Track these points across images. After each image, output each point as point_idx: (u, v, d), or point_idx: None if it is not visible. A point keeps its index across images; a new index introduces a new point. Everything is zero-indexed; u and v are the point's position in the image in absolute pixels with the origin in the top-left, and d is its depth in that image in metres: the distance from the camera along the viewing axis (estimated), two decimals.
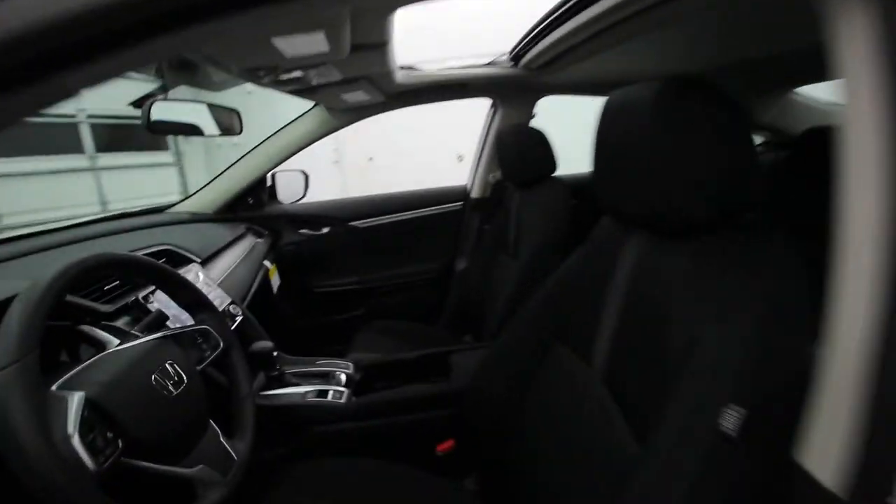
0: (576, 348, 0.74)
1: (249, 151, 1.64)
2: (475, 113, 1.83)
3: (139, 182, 5.69)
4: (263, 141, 1.63)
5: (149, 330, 0.80)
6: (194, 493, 0.62)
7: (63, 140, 5.10)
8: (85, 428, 0.50)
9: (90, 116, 5.51)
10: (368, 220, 1.87)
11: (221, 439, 0.69)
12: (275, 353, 1.08)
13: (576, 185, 1.41)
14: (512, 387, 0.85)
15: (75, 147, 5.24)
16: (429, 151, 4.71)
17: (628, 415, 0.60)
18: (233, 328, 1.07)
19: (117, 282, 0.88)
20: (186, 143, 6.93)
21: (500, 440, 0.84)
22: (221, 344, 0.79)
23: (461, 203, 1.92)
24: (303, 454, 1.02)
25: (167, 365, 0.64)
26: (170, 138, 6.85)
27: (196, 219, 1.57)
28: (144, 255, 1.05)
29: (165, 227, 1.33)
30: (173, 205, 1.61)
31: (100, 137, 5.50)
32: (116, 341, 0.80)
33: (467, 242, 1.89)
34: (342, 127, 1.60)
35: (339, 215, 1.85)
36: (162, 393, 0.60)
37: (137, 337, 0.74)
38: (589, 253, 0.76)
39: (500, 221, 1.62)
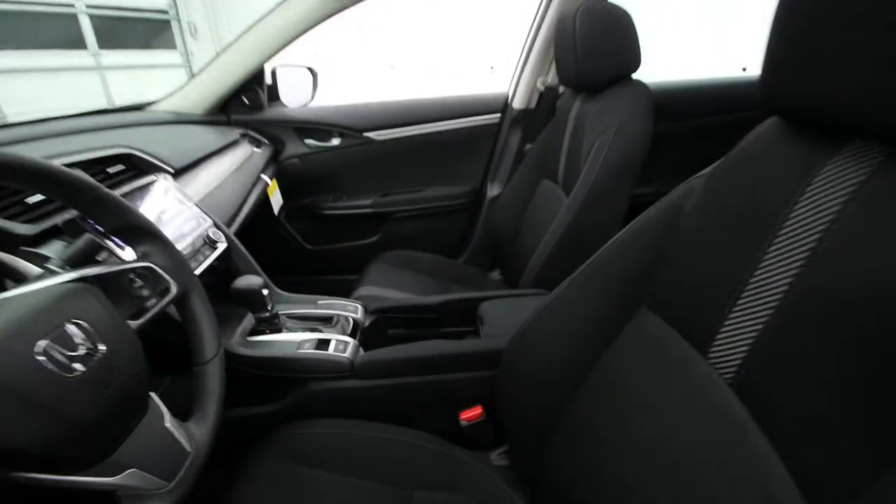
0: (685, 327, 0.50)
1: (241, 36, 1.31)
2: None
3: (145, 83, 5.33)
4: (257, 22, 1.29)
5: (73, 267, 0.57)
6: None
7: (60, 34, 4.69)
8: None
9: (89, 7, 5.03)
10: (387, 131, 1.56)
11: (168, 424, 0.49)
12: (265, 292, 0.86)
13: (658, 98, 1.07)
14: (571, 356, 0.62)
15: (74, 42, 4.83)
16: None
17: (789, 456, 0.36)
18: (209, 260, 0.85)
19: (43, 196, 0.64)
20: (195, 42, 6.41)
21: (548, 416, 0.64)
22: (173, 289, 0.56)
23: (498, 116, 1.58)
24: (294, 414, 0.85)
25: (69, 327, 0.41)
26: (177, 36, 6.33)
27: (179, 119, 1.30)
28: (93, 158, 0.80)
29: (134, 127, 1.07)
30: (151, 103, 1.33)
31: (100, 32, 5.05)
32: (39, 271, 0.59)
33: (503, 164, 1.58)
34: (351, 4, 1.25)
35: (353, 125, 1.55)
36: (53, 373, 0.38)
37: (54, 274, 0.52)
38: (728, 182, 0.48)
39: (549, 140, 1.30)
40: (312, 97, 1.64)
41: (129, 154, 0.88)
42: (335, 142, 1.56)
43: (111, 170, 0.83)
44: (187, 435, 0.51)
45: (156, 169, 0.91)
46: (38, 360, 0.38)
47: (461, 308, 1.02)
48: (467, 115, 1.58)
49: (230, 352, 0.80)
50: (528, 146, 1.52)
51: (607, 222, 1.02)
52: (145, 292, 0.53)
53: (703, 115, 1.48)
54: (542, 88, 1.45)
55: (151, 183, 0.86)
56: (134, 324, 0.51)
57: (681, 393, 0.48)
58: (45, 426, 0.37)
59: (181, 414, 0.54)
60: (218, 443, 0.89)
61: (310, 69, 1.61)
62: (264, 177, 1.36)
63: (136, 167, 0.89)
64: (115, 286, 0.50)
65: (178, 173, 0.96)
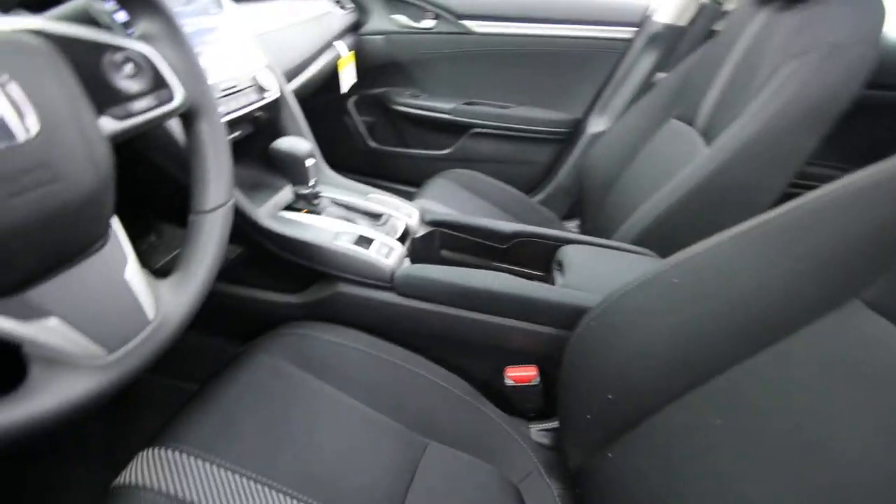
0: None
1: None
2: None
3: None
4: None
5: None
6: (24, 368, 0.28)
7: None
8: None
9: None
10: (489, 23, 1.29)
11: (127, 276, 0.34)
12: (309, 162, 0.69)
13: None
14: (700, 348, 0.42)
15: None
16: None
17: None
18: (253, 106, 0.68)
19: None
20: None
21: (631, 409, 0.46)
22: (176, 97, 0.39)
23: (632, 30, 1.26)
24: (315, 312, 0.71)
25: None
26: None
27: None
28: None
29: None
30: None
31: None
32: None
33: (619, 94, 1.28)
34: None
35: (453, 6, 1.29)
36: None
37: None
38: None
39: (695, 70, 1.00)
40: None
41: None
42: (427, 24, 1.32)
43: None
44: (154, 297, 0.36)
45: None
46: None
47: (536, 246, 0.82)
48: (589, 21, 1.27)
49: (255, 222, 0.65)
50: (659, 75, 1.21)
51: (766, 185, 0.76)
52: (136, 87, 0.37)
53: None
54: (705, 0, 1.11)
55: None
56: (108, 123, 0.34)
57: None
58: None
59: (158, 273, 0.39)
60: (230, 317, 0.79)
61: None
62: (339, 44, 1.16)
63: None
64: (89, 63, 0.33)
65: None
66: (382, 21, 1.32)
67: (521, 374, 0.67)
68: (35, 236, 0.28)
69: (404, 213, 0.79)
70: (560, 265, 0.75)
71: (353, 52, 1.24)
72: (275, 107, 0.76)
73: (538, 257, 0.82)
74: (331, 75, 1.15)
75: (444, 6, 1.28)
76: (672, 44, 1.19)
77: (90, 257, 0.32)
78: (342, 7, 1.23)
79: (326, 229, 0.70)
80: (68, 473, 0.75)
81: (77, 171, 0.30)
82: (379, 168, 1.52)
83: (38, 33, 0.31)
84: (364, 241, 0.69)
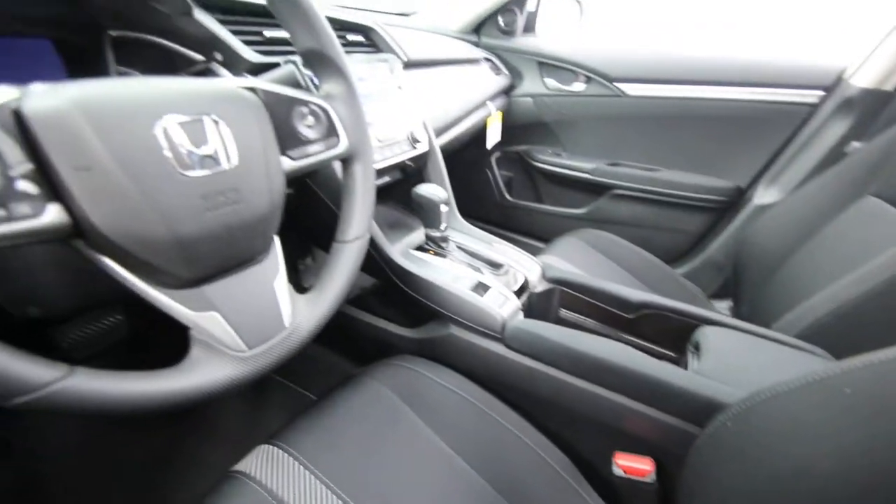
0: None
1: None
2: None
3: None
4: None
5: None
6: (186, 347, 0.35)
7: None
8: None
9: None
10: (645, 86, 1.26)
11: (276, 284, 0.41)
12: (443, 208, 0.75)
13: None
14: (864, 482, 0.32)
15: None
16: None
17: None
18: (404, 156, 0.77)
19: None
20: None
21: None
22: (342, 144, 0.47)
23: (818, 94, 1.10)
24: (427, 349, 0.73)
25: (207, 121, 0.34)
26: None
27: (432, 30, 1.27)
28: (339, 19, 0.79)
29: (391, 25, 1.06)
30: (408, 14, 1.33)
31: None
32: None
33: (797, 163, 1.12)
34: None
35: (606, 71, 1.29)
36: (165, 160, 0.31)
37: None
38: None
39: None
40: (573, 32, 1.44)
41: (371, 29, 0.85)
42: (578, 87, 1.34)
43: (350, 37, 0.81)
44: (292, 307, 0.42)
45: (390, 51, 0.87)
46: (153, 135, 0.31)
47: (668, 321, 0.73)
48: (767, 84, 1.14)
49: (388, 258, 0.72)
50: (853, 144, 1.03)
51: None
52: (312, 134, 0.45)
53: None
54: None
55: (382, 60, 0.81)
56: (288, 162, 0.43)
57: None
58: (133, 213, 0.30)
59: (301, 290, 0.46)
60: (351, 338, 0.86)
61: (578, 1, 1.41)
62: (491, 105, 1.25)
63: (374, 45, 0.87)
64: (283, 113, 0.43)
65: (409, 65, 0.91)
66: (534, 84, 1.39)
67: (632, 465, 0.59)
68: (219, 244, 0.35)
69: (525, 266, 0.79)
70: (697, 348, 0.65)
71: (500, 112, 1.32)
72: (423, 158, 0.84)
73: (670, 335, 0.73)
74: (479, 131, 1.24)
75: (597, 70, 1.29)
76: (872, 111, 1.00)
77: (253, 266, 0.39)
78: (497, 72, 1.33)
79: (448, 271, 0.73)
80: (194, 448, 0.87)
81: (257, 196, 0.38)
82: (513, 221, 1.55)
83: (252, 90, 0.40)
84: (481, 288, 0.70)
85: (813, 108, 1.10)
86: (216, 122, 0.35)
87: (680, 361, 0.70)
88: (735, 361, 0.60)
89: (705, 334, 0.66)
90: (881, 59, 0.99)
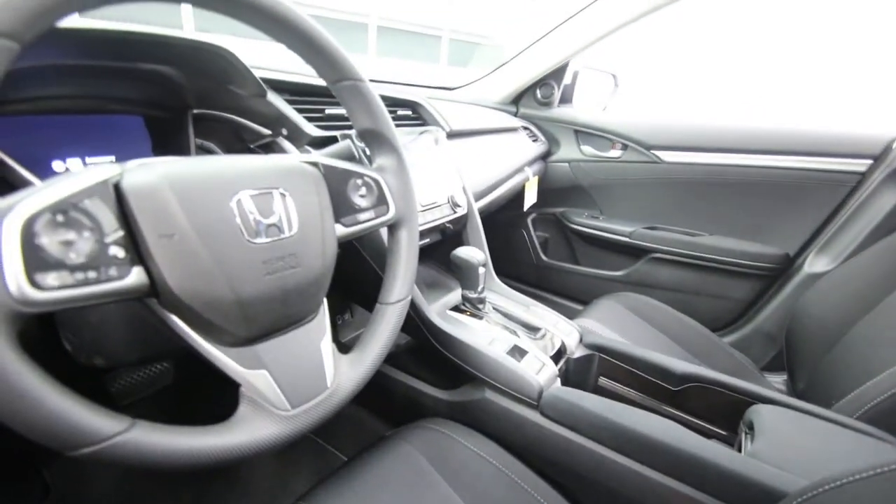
0: None
1: (549, 31, 1.27)
2: None
3: None
4: (569, 18, 1.22)
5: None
6: (234, 402, 0.37)
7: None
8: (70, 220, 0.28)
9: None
10: (682, 153, 1.27)
11: (323, 345, 0.42)
12: (481, 270, 0.76)
13: None
14: None
15: None
16: None
17: None
18: (445, 219, 0.81)
19: None
20: None
21: None
22: (390, 211, 0.50)
23: (868, 162, 1.08)
24: (460, 413, 0.72)
25: (275, 194, 0.38)
26: None
27: (473, 102, 1.36)
28: (389, 96, 0.87)
29: (435, 99, 1.14)
30: (452, 88, 1.44)
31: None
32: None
33: (849, 231, 1.07)
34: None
35: (642, 139, 1.32)
36: (236, 228, 0.35)
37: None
38: None
39: None
40: (607, 106, 1.50)
41: (419, 104, 0.92)
42: (614, 154, 1.38)
43: (400, 112, 0.88)
44: (335, 368, 0.43)
45: (435, 123, 0.93)
46: (229, 207, 0.35)
47: (717, 396, 0.69)
48: (813, 153, 1.13)
49: (425, 317, 0.73)
50: None
51: None
52: (364, 203, 0.49)
53: None
54: None
55: (427, 132, 0.88)
56: (341, 229, 0.46)
57: None
58: (203, 275, 0.33)
59: (344, 349, 0.47)
60: (384, 398, 0.86)
61: (612, 74, 1.47)
62: (528, 170, 1.29)
63: (421, 118, 0.94)
64: (339, 184, 0.47)
65: (451, 135, 0.97)
66: (571, 151, 1.43)
67: None
68: (274, 305, 0.38)
69: (563, 331, 0.78)
70: (751, 427, 0.61)
71: (537, 177, 1.36)
72: (462, 220, 0.88)
73: (719, 411, 0.69)
74: (516, 195, 1.28)
75: (634, 139, 1.33)
76: None
77: (303, 326, 0.41)
78: (535, 139, 1.39)
79: (484, 334, 0.73)
80: (227, 501, 0.86)
81: (312, 260, 0.40)
82: (548, 282, 1.54)
83: (314, 164, 0.44)
84: (518, 352, 0.70)
85: (861, 176, 1.08)
86: (283, 195, 0.39)
87: (730, 441, 0.65)
88: (793, 445, 0.56)
89: (760, 413, 0.62)
90: None
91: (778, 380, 1.08)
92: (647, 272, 1.34)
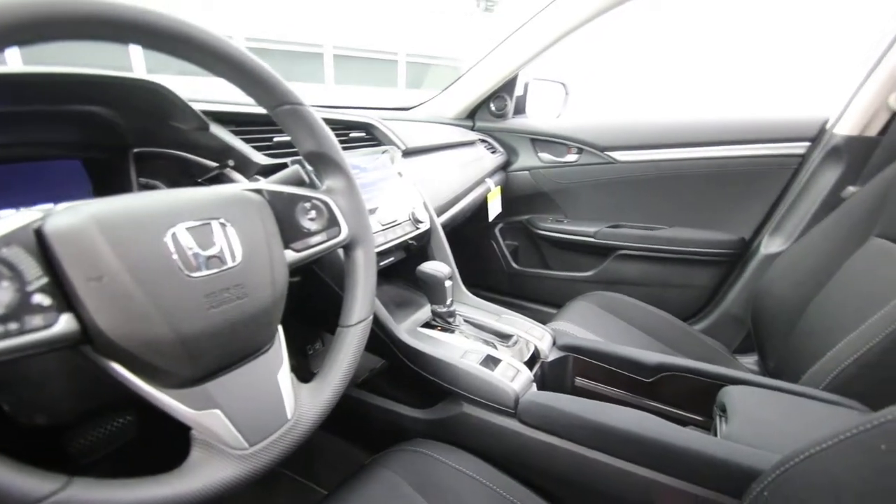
0: None
1: (496, 46, 1.31)
2: None
3: None
4: (512, 32, 1.26)
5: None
6: (187, 448, 0.35)
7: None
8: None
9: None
10: (636, 152, 1.32)
11: (280, 377, 0.41)
12: (447, 283, 0.76)
13: None
14: None
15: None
16: None
17: None
18: (407, 236, 0.80)
19: None
20: None
21: None
22: (343, 233, 0.50)
23: (806, 144, 1.14)
24: (440, 431, 0.70)
25: (214, 225, 0.37)
26: None
27: (429, 120, 1.37)
28: (341, 119, 0.87)
29: (390, 120, 1.15)
30: (413, 107, 1.45)
31: None
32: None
33: (797, 211, 1.13)
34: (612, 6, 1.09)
35: (596, 141, 1.37)
36: (172, 264, 0.34)
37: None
38: None
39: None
40: (560, 113, 1.54)
41: (371, 125, 0.92)
42: (570, 158, 1.41)
43: (353, 134, 0.88)
44: (295, 399, 0.42)
45: (389, 142, 0.94)
46: (163, 242, 0.34)
47: (690, 383, 0.70)
48: (751, 141, 1.19)
49: (395, 336, 0.72)
50: (848, 189, 1.04)
51: None
52: (314, 226, 0.48)
53: None
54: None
55: (382, 152, 0.88)
56: (291, 254, 0.45)
57: None
58: (138, 316, 0.32)
59: (306, 378, 0.46)
60: (361, 425, 0.83)
61: (562, 83, 1.52)
62: (489, 181, 1.31)
63: (375, 138, 0.94)
64: (287, 209, 0.46)
65: (408, 153, 0.97)
66: (529, 159, 1.46)
67: None
68: (222, 339, 0.36)
69: (535, 335, 0.78)
70: (723, 410, 0.62)
71: (500, 187, 1.38)
72: (425, 236, 0.87)
73: (694, 397, 0.70)
74: (480, 206, 1.29)
75: (587, 142, 1.37)
76: (860, 156, 1.02)
77: (256, 359, 0.40)
78: (493, 151, 1.41)
79: (456, 347, 0.72)
80: None
81: (261, 290, 0.39)
82: (521, 289, 1.55)
83: (257, 191, 0.44)
84: (491, 362, 0.69)
85: (802, 158, 1.14)
86: (223, 225, 0.38)
87: (707, 426, 0.66)
88: (766, 422, 0.57)
89: (731, 394, 0.63)
90: (859, 107, 1.03)
91: (750, 361, 1.10)
92: (615, 269, 1.36)
